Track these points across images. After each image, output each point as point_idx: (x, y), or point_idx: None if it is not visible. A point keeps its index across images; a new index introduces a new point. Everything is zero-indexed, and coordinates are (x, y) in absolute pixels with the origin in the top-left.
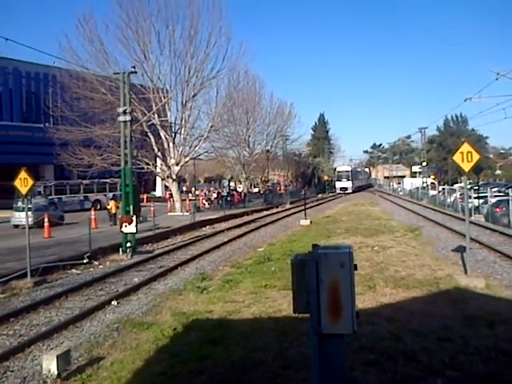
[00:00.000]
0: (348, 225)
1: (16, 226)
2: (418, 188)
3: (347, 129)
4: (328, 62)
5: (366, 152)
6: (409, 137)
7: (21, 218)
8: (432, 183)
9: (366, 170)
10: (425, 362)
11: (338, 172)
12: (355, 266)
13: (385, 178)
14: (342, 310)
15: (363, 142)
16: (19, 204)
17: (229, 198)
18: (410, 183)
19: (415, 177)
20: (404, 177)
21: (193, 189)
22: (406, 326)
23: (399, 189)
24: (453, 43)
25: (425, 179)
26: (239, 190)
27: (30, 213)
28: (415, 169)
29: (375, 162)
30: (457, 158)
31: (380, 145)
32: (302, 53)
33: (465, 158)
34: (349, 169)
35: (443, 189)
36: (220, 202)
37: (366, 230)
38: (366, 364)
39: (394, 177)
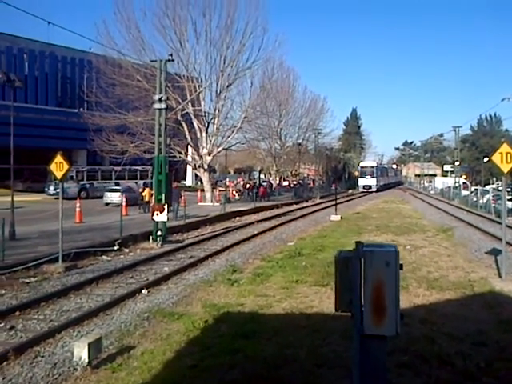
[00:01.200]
0: (379, 222)
1: (107, 204)
2: (449, 187)
3: (379, 125)
4: (362, 57)
5: (397, 149)
6: (441, 135)
7: (112, 197)
8: (464, 183)
9: (394, 166)
10: (460, 367)
11: (362, 168)
12: (401, 265)
13: (415, 176)
14: (385, 311)
15: (395, 138)
16: (113, 186)
17: (255, 191)
18: (441, 182)
19: (446, 176)
20: (435, 175)
21: (225, 180)
22: (441, 329)
23: (430, 187)
24: (492, 42)
25: (457, 179)
26: (272, 182)
27: (119, 193)
28: (447, 168)
29: (406, 160)
30: (496, 158)
31: (412, 142)
32: (336, 47)
33: (504, 158)
34: (373, 164)
35: (476, 189)
36: (250, 193)
37: (397, 228)
38: (400, 366)
39: (425, 175)
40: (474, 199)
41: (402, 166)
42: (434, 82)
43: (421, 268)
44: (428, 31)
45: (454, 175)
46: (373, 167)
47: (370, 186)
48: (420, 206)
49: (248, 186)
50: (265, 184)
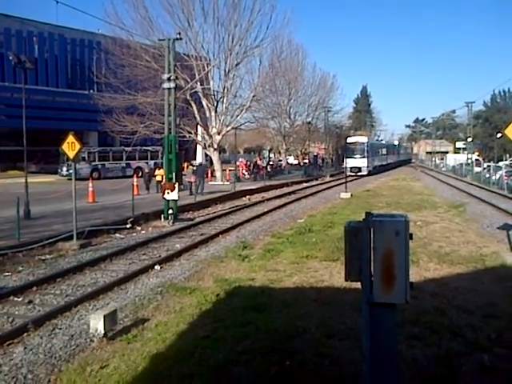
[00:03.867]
0: (389, 199)
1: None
2: (461, 164)
3: (390, 102)
4: (372, 34)
5: (408, 126)
6: (454, 111)
7: None
8: (477, 160)
9: (396, 142)
10: (470, 338)
11: (348, 144)
12: (411, 235)
13: (427, 153)
14: (395, 279)
15: (406, 116)
16: None
17: (255, 170)
18: (453, 159)
19: (459, 153)
20: (447, 152)
21: (236, 159)
22: (451, 302)
23: (442, 165)
24: (506, 15)
25: (470, 155)
26: (282, 162)
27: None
28: (459, 145)
29: (417, 137)
30: (509, 131)
31: (423, 119)
32: (345, 24)
33: None
34: (364, 140)
35: (488, 166)
36: (256, 171)
37: (408, 205)
38: (411, 338)
39: (437, 152)
40: (487, 175)
41: (413, 143)
42: (445, 58)
43: (431, 243)
44: (439, 5)
45: (466, 152)
46: (363, 143)
47: (359, 169)
48: (431, 183)
49: (252, 165)
50: (266, 163)
